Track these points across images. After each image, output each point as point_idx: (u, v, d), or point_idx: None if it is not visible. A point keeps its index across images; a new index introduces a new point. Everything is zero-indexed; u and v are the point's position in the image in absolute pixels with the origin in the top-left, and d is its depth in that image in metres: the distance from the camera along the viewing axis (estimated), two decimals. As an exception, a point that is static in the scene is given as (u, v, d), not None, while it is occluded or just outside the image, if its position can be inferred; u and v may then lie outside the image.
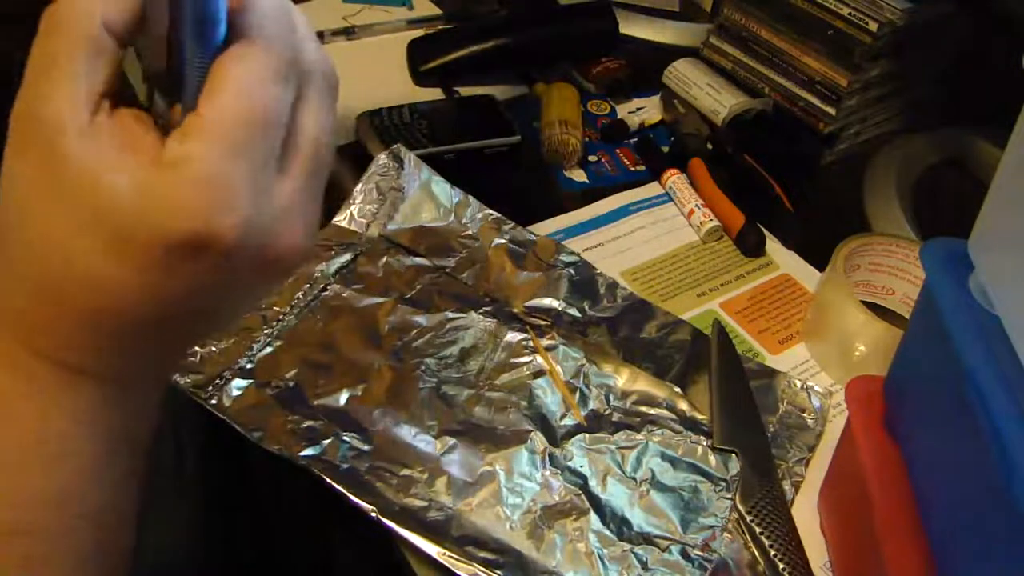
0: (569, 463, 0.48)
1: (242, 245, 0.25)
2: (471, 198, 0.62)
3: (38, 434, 0.27)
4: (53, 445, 0.27)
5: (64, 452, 0.28)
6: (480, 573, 0.43)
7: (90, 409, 0.28)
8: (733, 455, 0.50)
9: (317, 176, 0.28)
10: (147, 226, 0.24)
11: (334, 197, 0.61)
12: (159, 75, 0.26)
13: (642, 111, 0.78)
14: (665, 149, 0.73)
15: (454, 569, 0.43)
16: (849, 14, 0.67)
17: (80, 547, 0.28)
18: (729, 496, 0.48)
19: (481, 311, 0.56)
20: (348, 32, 0.82)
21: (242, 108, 0.25)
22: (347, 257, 0.58)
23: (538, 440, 0.49)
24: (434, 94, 0.77)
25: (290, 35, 0.26)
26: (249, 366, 0.51)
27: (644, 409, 0.52)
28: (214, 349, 0.51)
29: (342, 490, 0.45)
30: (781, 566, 0.45)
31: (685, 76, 0.77)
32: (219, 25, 0.25)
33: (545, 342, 0.55)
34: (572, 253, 0.61)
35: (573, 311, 0.57)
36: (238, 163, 0.24)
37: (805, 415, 0.53)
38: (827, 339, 0.57)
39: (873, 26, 0.66)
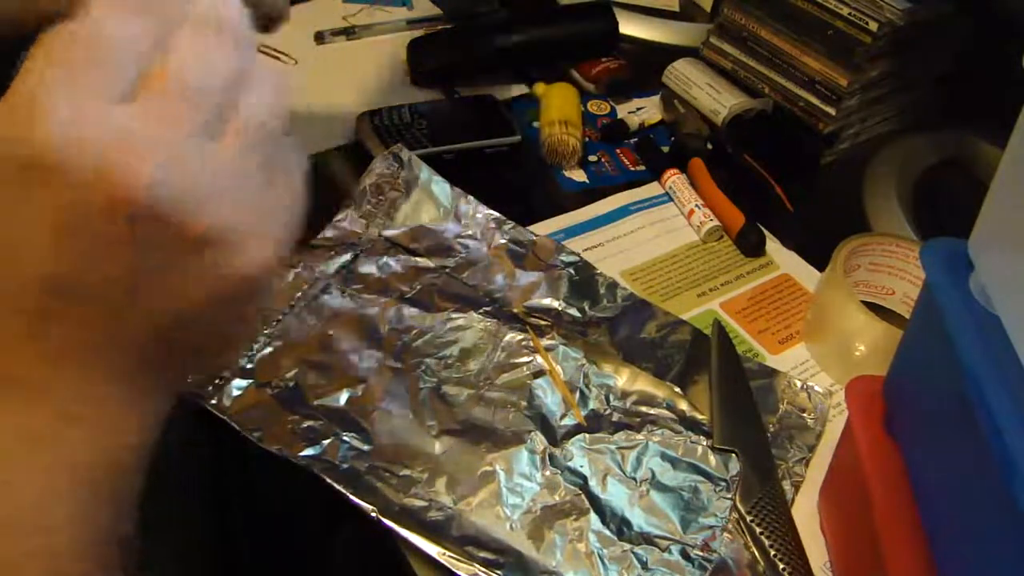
0: (569, 463, 0.48)
1: (64, 162, 0.23)
2: (471, 198, 0.62)
3: None
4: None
5: (8, 481, 0.26)
6: (480, 573, 0.43)
7: (37, 433, 0.26)
8: (733, 455, 0.50)
9: (177, 113, 0.26)
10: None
11: (334, 197, 0.61)
12: None
13: (642, 111, 0.78)
14: (665, 149, 0.73)
15: (454, 569, 0.43)
16: (849, 14, 0.67)
17: None
18: (729, 496, 0.48)
19: (481, 311, 0.56)
20: (348, 32, 0.82)
21: (78, 33, 0.24)
22: (347, 257, 0.58)
23: (538, 440, 0.49)
24: (434, 94, 0.77)
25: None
26: (249, 366, 0.51)
27: (644, 409, 0.52)
28: (214, 349, 0.51)
29: (342, 490, 0.45)
30: (781, 566, 0.45)
31: (685, 76, 0.77)
32: None
33: (545, 342, 0.55)
34: (572, 253, 0.61)
35: (573, 311, 0.57)
36: (68, 83, 0.24)
37: (805, 415, 0.53)
38: (827, 339, 0.57)
39: (873, 26, 0.66)
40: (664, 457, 0.49)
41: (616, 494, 0.47)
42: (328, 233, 0.59)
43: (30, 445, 0.26)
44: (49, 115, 0.23)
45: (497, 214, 0.62)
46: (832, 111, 0.71)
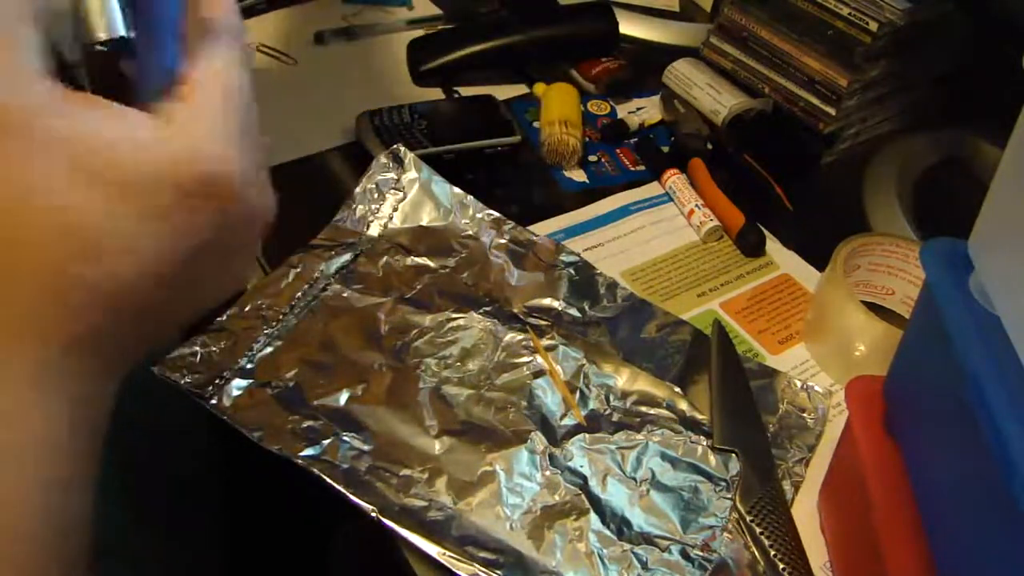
0: (569, 463, 0.48)
1: (240, 195, 0.27)
2: (471, 198, 0.62)
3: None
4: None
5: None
6: (480, 573, 0.43)
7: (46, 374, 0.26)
8: (733, 455, 0.50)
9: (263, 154, 0.31)
10: (157, 173, 0.26)
11: (334, 197, 0.61)
12: (99, 56, 0.28)
13: (642, 111, 0.78)
14: (665, 149, 0.73)
15: (454, 569, 0.43)
16: (849, 14, 0.67)
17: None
18: (729, 496, 0.48)
19: (481, 311, 0.56)
20: (348, 32, 0.82)
21: (228, 80, 0.29)
22: (347, 257, 0.58)
23: (538, 440, 0.49)
24: (434, 94, 0.77)
25: (240, 31, 0.31)
26: (249, 366, 0.51)
27: (644, 409, 0.52)
28: (214, 349, 0.51)
29: (342, 490, 0.45)
30: (781, 566, 0.45)
31: (685, 76, 0.77)
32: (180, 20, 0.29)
33: (545, 342, 0.55)
34: (572, 253, 0.61)
35: (573, 311, 0.57)
36: (234, 124, 0.28)
37: (805, 415, 0.53)
38: (827, 339, 0.57)
39: (873, 26, 0.66)
40: (664, 457, 0.49)
41: (616, 494, 0.47)
42: (328, 233, 0.59)
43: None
44: (228, 148, 0.28)
45: (497, 214, 0.62)
46: (832, 111, 0.71)
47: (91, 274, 0.25)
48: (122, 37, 0.28)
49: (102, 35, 0.27)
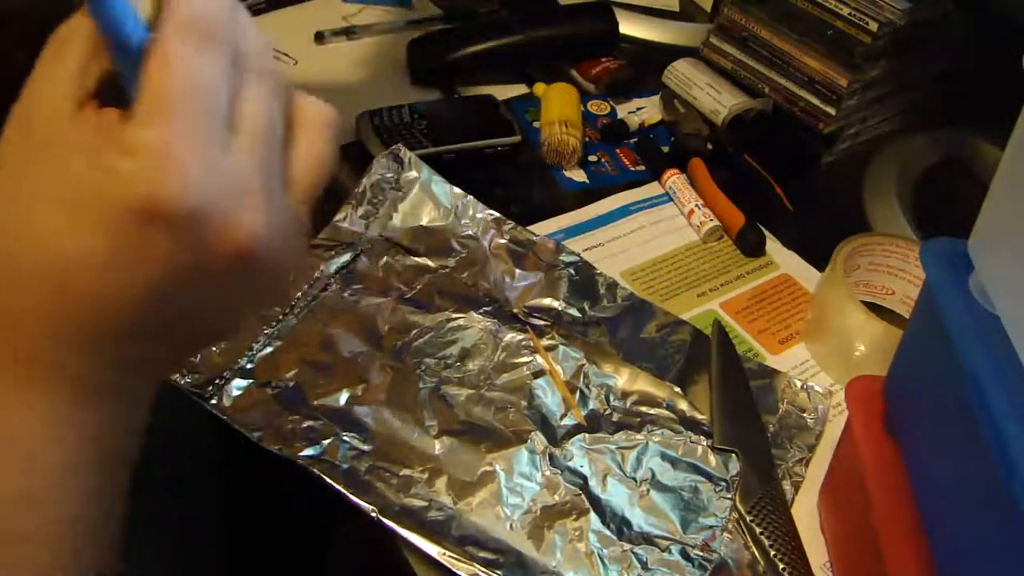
0: (569, 463, 0.48)
1: (193, 215, 0.25)
2: (471, 198, 0.62)
3: (3, 433, 0.27)
4: (21, 445, 0.27)
5: (32, 454, 0.27)
6: (480, 573, 0.43)
7: (57, 412, 0.27)
8: (733, 455, 0.50)
9: (267, 160, 0.27)
10: (101, 195, 0.25)
11: (334, 197, 0.61)
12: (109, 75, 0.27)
13: (642, 111, 0.78)
14: (665, 149, 0.73)
15: (454, 569, 0.43)
16: (849, 14, 0.67)
17: (42, 556, 0.28)
18: (729, 496, 0.48)
19: (481, 311, 0.56)
20: (348, 32, 0.82)
21: (177, 80, 0.25)
22: (347, 257, 0.58)
23: (538, 440, 0.49)
24: (434, 94, 0.77)
25: (223, 15, 0.27)
26: (249, 366, 0.51)
27: (644, 409, 0.52)
28: (214, 349, 0.51)
29: (342, 490, 0.45)
30: (781, 566, 0.45)
31: (685, 76, 0.77)
32: (131, 21, 0.26)
33: (545, 342, 0.55)
34: (572, 253, 0.61)
35: (573, 311, 0.57)
36: (182, 132, 0.25)
37: (805, 415, 0.53)
38: (827, 339, 0.57)
39: (873, 26, 0.66)
40: (664, 457, 0.49)
41: (616, 494, 0.47)
42: (328, 233, 0.59)
43: (46, 423, 0.27)
44: (188, 168, 0.25)
45: (497, 214, 0.62)
46: (832, 111, 0.71)
47: (65, 306, 0.26)
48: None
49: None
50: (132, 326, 0.27)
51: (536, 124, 0.74)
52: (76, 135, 0.25)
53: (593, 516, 0.46)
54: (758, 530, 0.46)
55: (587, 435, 0.50)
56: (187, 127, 0.25)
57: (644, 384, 0.53)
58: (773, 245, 0.66)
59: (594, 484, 0.48)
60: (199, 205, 0.25)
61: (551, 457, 0.49)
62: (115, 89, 0.26)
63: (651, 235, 0.66)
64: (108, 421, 0.29)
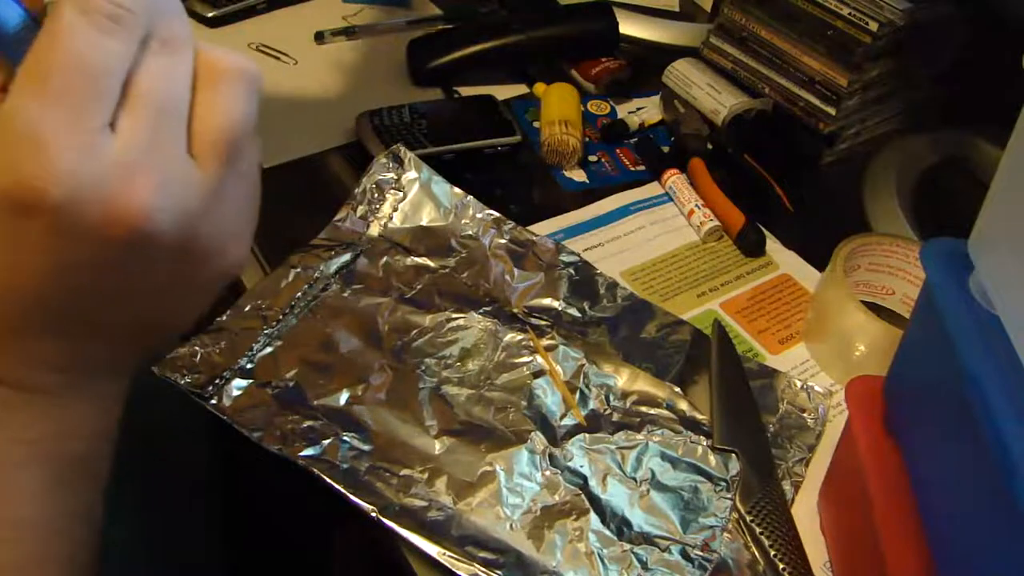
0: (569, 463, 0.48)
1: (68, 200, 0.23)
2: (471, 198, 0.62)
3: None
4: None
5: None
6: (480, 573, 0.43)
7: None
8: (733, 455, 0.50)
9: (159, 132, 0.25)
10: None
11: (334, 197, 0.61)
12: None
13: (642, 111, 0.78)
14: (665, 149, 0.73)
15: (454, 569, 0.43)
16: (849, 14, 0.67)
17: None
18: (729, 496, 0.48)
19: (481, 311, 0.56)
20: (348, 32, 0.82)
21: (56, 56, 0.23)
22: (347, 257, 0.58)
23: (538, 440, 0.49)
24: (434, 94, 0.77)
25: None
26: (249, 366, 0.51)
27: (644, 409, 0.52)
28: (214, 349, 0.51)
29: (342, 490, 0.45)
30: (781, 566, 0.45)
31: (685, 76, 0.77)
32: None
33: (545, 342, 0.55)
34: (572, 253, 0.61)
35: (573, 311, 0.57)
36: (52, 114, 0.23)
37: (805, 415, 0.53)
38: (827, 339, 0.57)
39: (873, 26, 0.66)
40: (664, 457, 0.49)
41: (616, 494, 0.47)
42: (328, 233, 0.59)
43: None
44: (54, 155, 0.23)
45: (497, 214, 0.62)
46: (832, 111, 0.71)
47: None
48: None
49: None
50: (31, 320, 0.26)
51: (536, 124, 0.74)
52: None
53: (593, 516, 0.46)
54: (758, 530, 0.46)
55: (587, 435, 0.50)
56: (63, 112, 0.23)
57: (644, 384, 0.53)
58: (773, 245, 0.66)
59: (594, 484, 0.48)
60: (72, 193, 0.23)
61: (551, 457, 0.49)
62: None
63: (651, 235, 0.66)
64: (43, 421, 0.27)
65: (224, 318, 0.52)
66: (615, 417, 0.51)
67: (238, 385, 0.50)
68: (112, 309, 0.27)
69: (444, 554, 0.43)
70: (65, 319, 0.26)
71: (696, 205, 0.66)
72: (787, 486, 0.49)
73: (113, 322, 0.28)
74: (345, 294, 0.56)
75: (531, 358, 0.54)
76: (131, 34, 0.25)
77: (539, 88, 0.77)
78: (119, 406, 0.31)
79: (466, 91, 0.77)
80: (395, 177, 0.62)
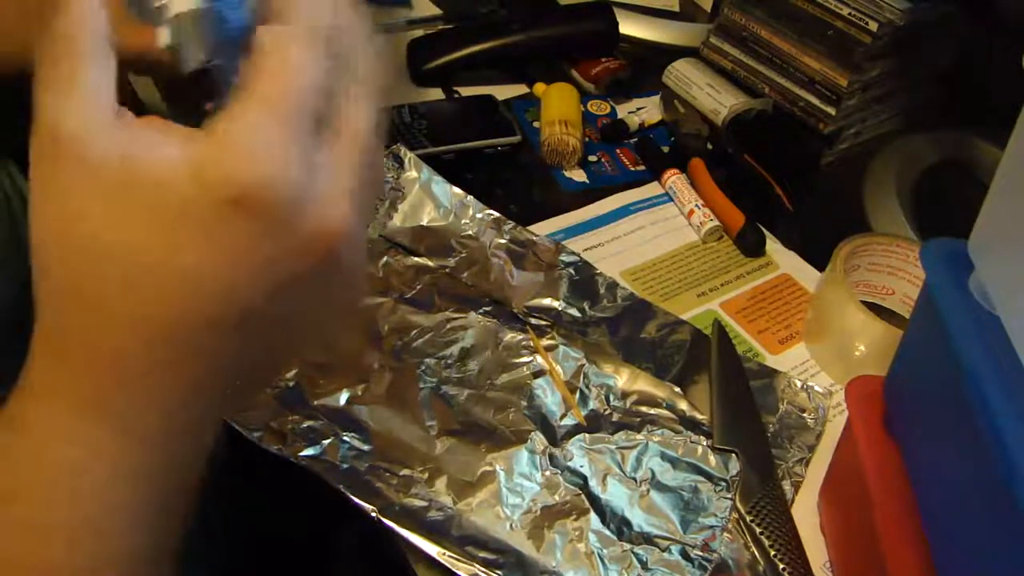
0: (569, 463, 0.48)
1: (292, 204, 0.24)
2: (471, 198, 0.62)
3: (66, 466, 0.26)
4: (79, 479, 0.26)
5: (85, 489, 0.26)
6: (480, 573, 0.43)
7: (128, 461, 0.27)
8: (733, 455, 0.50)
9: (361, 160, 0.27)
10: (185, 194, 0.24)
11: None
12: (177, 81, 0.27)
13: (642, 111, 0.78)
14: (665, 149, 0.73)
15: (454, 569, 0.43)
16: (849, 14, 0.67)
17: None
18: (729, 496, 0.48)
19: (481, 311, 0.56)
20: (348, 32, 0.82)
21: (288, 80, 0.25)
22: (347, 257, 0.58)
23: (538, 440, 0.49)
24: (434, 94, 0.77)
25: (326, 17, 0.27)
26: (249, 366, 0.51)
27: (644, 409, 0.52)
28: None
29: (342, 490, 0.45)
30: (781, 566, 0.45)
31: (685, 76, 0.77)
32: (246, 31, 0.26)
33: (545, 342, 0.55)
34: (572, 253, 0.61)
35: (573, 311, 0.57)
36: (283, 131, 0.24)
37: (805, 415, 0.53)
38: (827, 339, 0.57)
39: (873, 26, 0.66)
40: (664, 457, 0.49)
41: (616, 494, 0.47)
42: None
43: (96, 459, 0.27)
44: (286, 164, 0.24)
45: (497, 214, 0.62)
46: (832, 111, 0.71)
47: (131, 306, 0.25)
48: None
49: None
50: (227, 340, 0.26)
51: (536, 124, 0.74)
52: (133, 136, 0.24)
53: (593, 516, 0.46)
54: (758, 530, 0.46)
55: (587, 435, 0.50)
56: (290, 125, 0.25)
57: (644, 384, 0.53)
58: (773, 245, 0.66)
59: (594, 484, 0.48)
60: (296, 203, 0.24)
61: (551, 457, 0.49)
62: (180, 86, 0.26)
63: (651, 235, 0.66)
64: (173, 459, 0.28)
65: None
66: (615, 417, 0.51)
67: (238, 385, 0.49)
68: (275, 332, 0.28)
69: (444, 554, 0.43)
70: (257, 337, 0.27)
71: (696, 205, 0.66)
72: (787, 486, 0.49)
73: (267, 346, 0.28)
74: (345, 294, 0.56)
75: (531, 358, 0.54)
76: (335, 54, 0.27)
77: (539, 88, 0.77)
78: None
79: (466, 91, 0.77)
80: (395, 177, 0.62)
